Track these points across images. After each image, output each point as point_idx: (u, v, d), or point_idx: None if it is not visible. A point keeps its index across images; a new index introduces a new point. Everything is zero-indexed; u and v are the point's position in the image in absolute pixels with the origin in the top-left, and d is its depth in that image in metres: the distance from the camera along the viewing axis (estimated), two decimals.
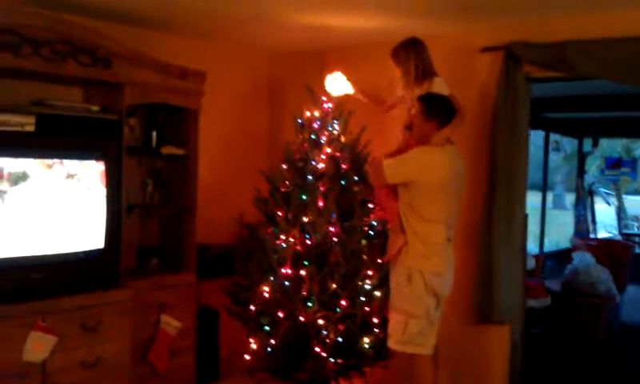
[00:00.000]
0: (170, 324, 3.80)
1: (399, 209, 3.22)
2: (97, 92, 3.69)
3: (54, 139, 3.32)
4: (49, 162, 3.20)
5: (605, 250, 6.39)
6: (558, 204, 16.62)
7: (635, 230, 10.21)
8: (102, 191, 3.43)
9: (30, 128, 3.17)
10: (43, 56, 3.13)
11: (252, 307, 3.64)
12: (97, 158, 3.42)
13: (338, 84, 3.72)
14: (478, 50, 3.72)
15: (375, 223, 3.63)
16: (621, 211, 9.82)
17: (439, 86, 3.36)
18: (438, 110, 3.17)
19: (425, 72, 3.40)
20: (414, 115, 3.29)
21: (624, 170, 9.15)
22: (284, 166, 3.71)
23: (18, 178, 3.06)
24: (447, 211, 3.20)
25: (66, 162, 3.27)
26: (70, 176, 3.29)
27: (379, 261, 3.50)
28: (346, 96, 3.78)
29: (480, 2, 3.27)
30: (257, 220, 3.81)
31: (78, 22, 3.34)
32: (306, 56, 4.74)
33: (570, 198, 12.24)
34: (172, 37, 4.30)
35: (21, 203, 3.09)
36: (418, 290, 3.14)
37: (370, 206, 3.63)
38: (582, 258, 5.91)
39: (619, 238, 9.11)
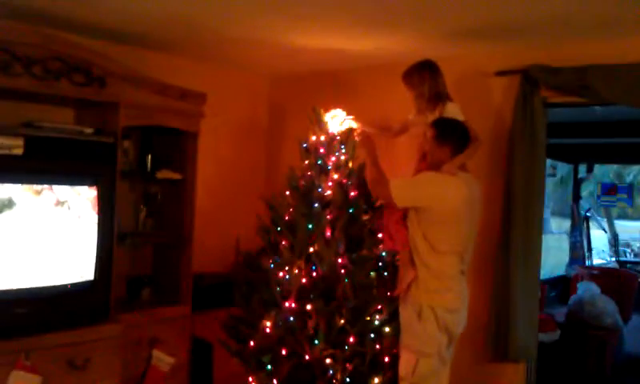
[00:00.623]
0: (163, 360, 3.61)
1: (409, 239, 3.05)
2: (90, 113, 3.52)
3: (44, 163, 3.12)
4: (37, 187, 3.02)
5: (609, 279, 6.24)
6: (545, 228, 16.70)
7: (630, 257, 10.13)
8: (93, 219, 3.24)
9: (18, 151, 2.98)
10: (35, 75, 2.99)
11: (252, 343, 3.42)
12: (89, 184, 3.24)
13: (338, 120, 3.56)
14: (492, 74, 3.60)
15: (385, 254, 3.44)
16: (615, 238, 9.75)
17: (452, 110, 3.22)
18: (451, 135, 3.02)
19: (438, 96, 3.25)
20: (426, 141, 3.13)
21: (620, 195, 9.10)
22: (287, 193, 3.52)
23: (3, 206, 2.88)
24: (460, 243, 3.03)
25: (55, 187, 3.09)
26: (59, 203, 3.10)
27: (389, 295, 3.30)
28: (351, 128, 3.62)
29: (495, 25, 3.17)
30: (254, 248, 3.61)
31: (72, 39, 3.21)
32: (309, 79, 4.61)
33: (555, 223, 12.20)
34: (170, 57, 4.18)
35: (6, 232, 2.90)
36: (430, 327, 2.96)
37: (379, 235, 3.44)
38: (587, 288, 5.76)
39: (614, 265, 9.01)
